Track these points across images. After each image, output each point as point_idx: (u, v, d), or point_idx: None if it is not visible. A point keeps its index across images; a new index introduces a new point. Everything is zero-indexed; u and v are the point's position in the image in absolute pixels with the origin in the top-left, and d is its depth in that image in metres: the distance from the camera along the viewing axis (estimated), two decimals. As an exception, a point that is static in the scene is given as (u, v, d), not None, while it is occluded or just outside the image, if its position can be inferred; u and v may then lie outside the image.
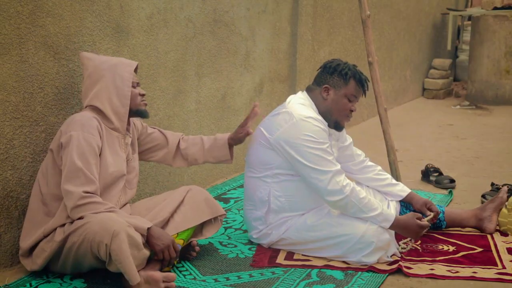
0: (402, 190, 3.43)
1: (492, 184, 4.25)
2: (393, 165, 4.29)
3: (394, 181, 3.47)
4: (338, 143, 3.36)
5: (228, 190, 4.25)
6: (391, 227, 3.03)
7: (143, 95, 2.95)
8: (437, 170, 4.60)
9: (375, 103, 4.39)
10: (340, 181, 2.99)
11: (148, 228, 2.69)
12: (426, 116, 7.36)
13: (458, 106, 8.03)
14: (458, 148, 5.71)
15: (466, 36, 9.43)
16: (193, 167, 4.21)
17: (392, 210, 3.31)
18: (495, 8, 8.22)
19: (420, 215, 3.13)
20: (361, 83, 3.17)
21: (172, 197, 3.05)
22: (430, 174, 4.57)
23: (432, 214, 3.25)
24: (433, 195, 4.22)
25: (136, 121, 3.11)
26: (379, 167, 3.51)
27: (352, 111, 3.18)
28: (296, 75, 5.15)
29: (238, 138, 3.22)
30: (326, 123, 3.14)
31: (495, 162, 5.18)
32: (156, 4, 3.69)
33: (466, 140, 6.03)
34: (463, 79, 9.44)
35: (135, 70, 2.97)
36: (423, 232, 3.10)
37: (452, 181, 4.47)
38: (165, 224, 2.95)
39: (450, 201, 4.12)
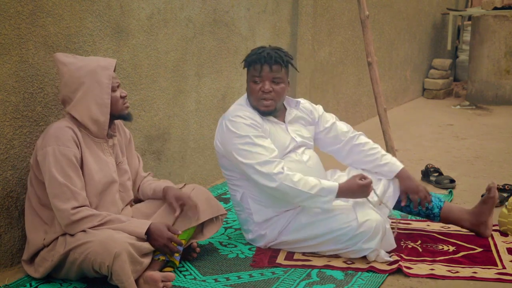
0: (390, 170, 3.30)
1: (492, 184, 4.25)
2: (393, 165, 4.28)
3: (383, 160, 3.31)
4: (316, 127, 3.37)
5: (228, 190, 4.23)
6: (338, 196, 3.01)
7: (124, 97, 2.84)
8: (437, 170, 4.60)
9: (375, 103, 4.39)
10: (269, 169, 2.99)
11: (148, 228, 2.69)
12: (426, 116, 7.35)
13: (458, 106, 8.03)
14: (458, 148, 5.71)
15: (466, 36, 9.41)
16: (193, 167, 4.21)
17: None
18: (495, 8, 8.22)
19: (363, 174, 3.09)
20: (256, 61, 3.13)
21: None
22: (430, 174, 4.57)
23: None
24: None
25: (124, 129, 3.05)
26: (369, 145, 3.35)
27: (263, 91, 3.12)
28: (296, 75, 5.14)
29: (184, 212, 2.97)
30: (256, 113, 3.16)
31: (495, 162, 5.18)
32: (156, 4, 3.69)
33: (466, 140, 6.03)
34: (463, 79, 9.43)
35: (114, 69, 2.85)
36: (370, 189, 3.05)
37: (452, 181, 4.47)
38: None
39: (450, 201, 4.11)
